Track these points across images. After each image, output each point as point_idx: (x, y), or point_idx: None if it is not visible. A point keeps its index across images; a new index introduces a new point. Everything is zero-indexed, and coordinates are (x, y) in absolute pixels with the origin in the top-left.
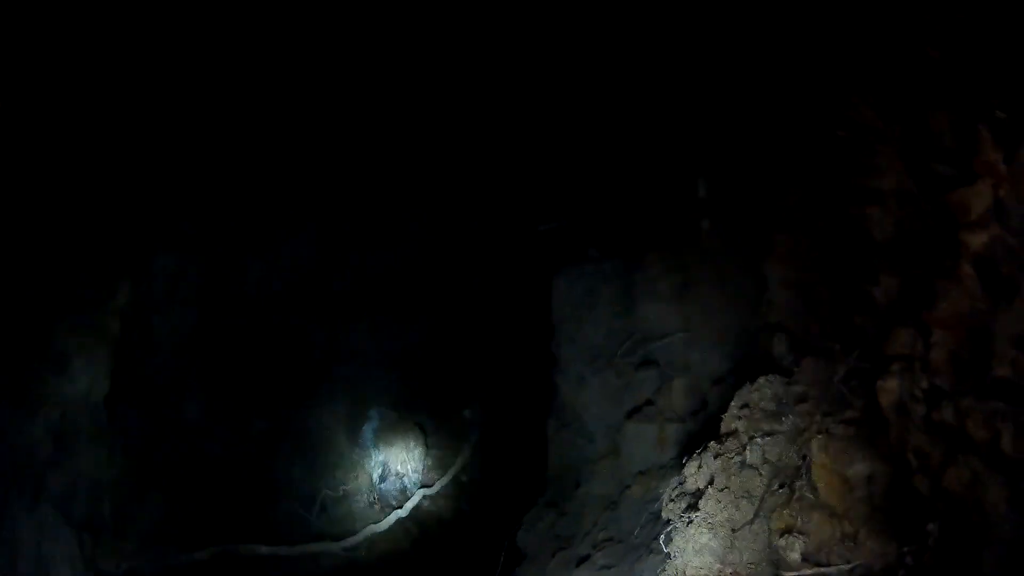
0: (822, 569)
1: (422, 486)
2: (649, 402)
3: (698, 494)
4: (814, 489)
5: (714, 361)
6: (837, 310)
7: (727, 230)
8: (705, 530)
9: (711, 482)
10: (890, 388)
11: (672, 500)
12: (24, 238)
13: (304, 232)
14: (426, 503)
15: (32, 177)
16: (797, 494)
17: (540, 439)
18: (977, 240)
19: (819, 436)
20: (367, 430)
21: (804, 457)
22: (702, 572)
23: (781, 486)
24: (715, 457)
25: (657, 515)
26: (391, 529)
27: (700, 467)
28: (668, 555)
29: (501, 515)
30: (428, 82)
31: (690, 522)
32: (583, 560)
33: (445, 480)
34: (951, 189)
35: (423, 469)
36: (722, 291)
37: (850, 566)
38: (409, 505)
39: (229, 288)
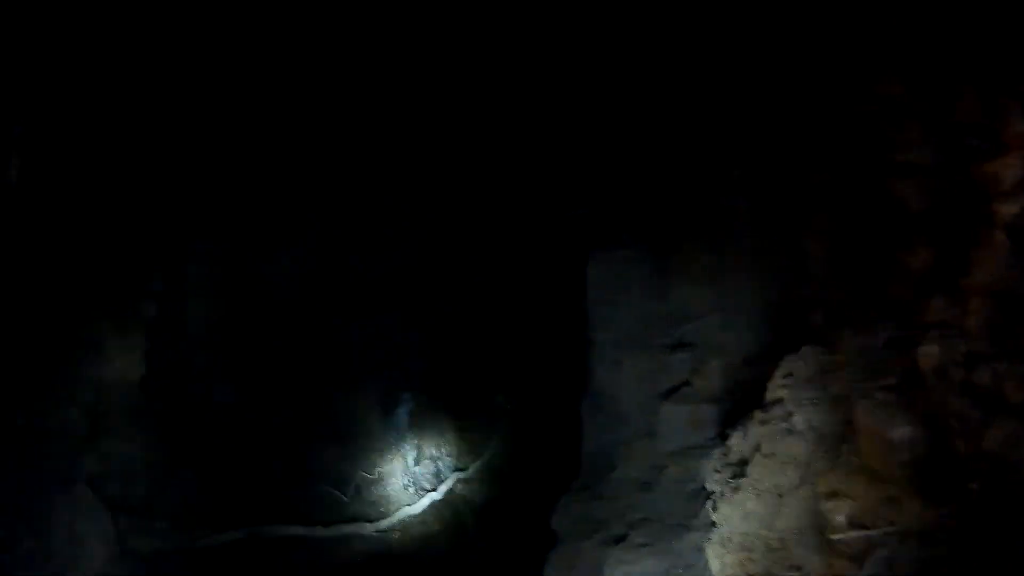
0: (867, 532)
1: (456, 469)
2: (685, 383)
3: (743, 462)
4: (858, 453)
5: (749, 341)
6: (874, 281)
7: (760, 209)
8: (752, 496)
9: (757, 449)
10: (930, 354)
11: (717, 471)
12: (61, 225)
13: (334, 218)
14: (460, 486)
15: (68, 167)
16: (842, 459)
17: (573, 423)
18: (1009, 210)
19: (862, 401)
20: (401, 413)
21: (848, 423)
22: (749, 538)
23: (826, 451)
24: (761, 424)
25: (694, 494)
26: (425, 512)
27: (745, 436)
28: (714, 524)
29: (534, 498)
30: (457, 62)
31: (737, 489)
32: (619, 540)
33: (479, 463)
34: (981, 161)
35: (457, 452)
36: (756, 271)
37: (894, 528)
38: (443, 488)
39: (261, 273)
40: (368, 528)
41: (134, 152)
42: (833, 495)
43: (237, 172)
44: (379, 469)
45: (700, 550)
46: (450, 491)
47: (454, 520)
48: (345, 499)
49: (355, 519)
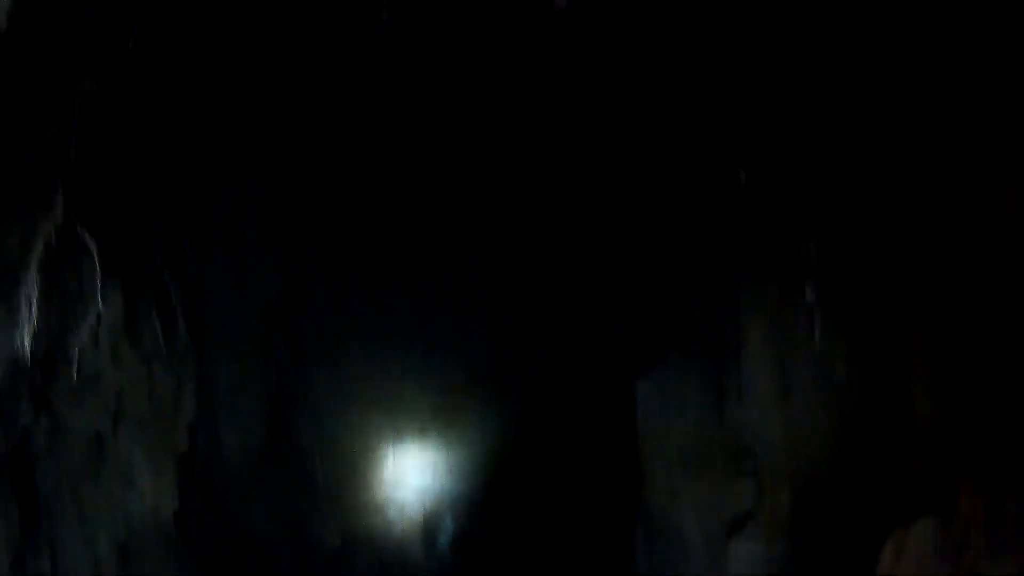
0: None
1: None
2: (751, 515)
3: None
4: None
5: (824, 466)
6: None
7: (835, 325)
8: None
9: None
10: None
11: None
12: None
13: (372, 334)
14: None
15: None
16: None
17: (623, 552)
18: None
19: None
20: (442, 540)
21: None
22: None
23: None
24: None
25: None
26: None
27: None
28: None
29: None
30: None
31: None
32: None
33: None
34: None
35: None
36: (830, 389)
37: None
38: None
39: (294, 396)
40: None
41: None
42: None
43: (266, 292)
44: None
45: None
46: None
47: None
48: None
49: None
